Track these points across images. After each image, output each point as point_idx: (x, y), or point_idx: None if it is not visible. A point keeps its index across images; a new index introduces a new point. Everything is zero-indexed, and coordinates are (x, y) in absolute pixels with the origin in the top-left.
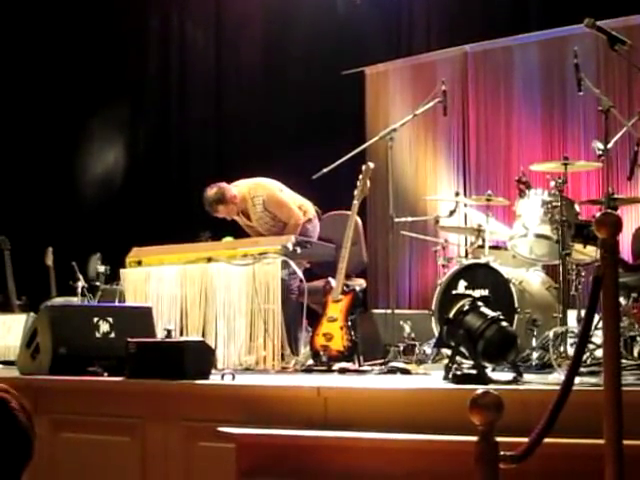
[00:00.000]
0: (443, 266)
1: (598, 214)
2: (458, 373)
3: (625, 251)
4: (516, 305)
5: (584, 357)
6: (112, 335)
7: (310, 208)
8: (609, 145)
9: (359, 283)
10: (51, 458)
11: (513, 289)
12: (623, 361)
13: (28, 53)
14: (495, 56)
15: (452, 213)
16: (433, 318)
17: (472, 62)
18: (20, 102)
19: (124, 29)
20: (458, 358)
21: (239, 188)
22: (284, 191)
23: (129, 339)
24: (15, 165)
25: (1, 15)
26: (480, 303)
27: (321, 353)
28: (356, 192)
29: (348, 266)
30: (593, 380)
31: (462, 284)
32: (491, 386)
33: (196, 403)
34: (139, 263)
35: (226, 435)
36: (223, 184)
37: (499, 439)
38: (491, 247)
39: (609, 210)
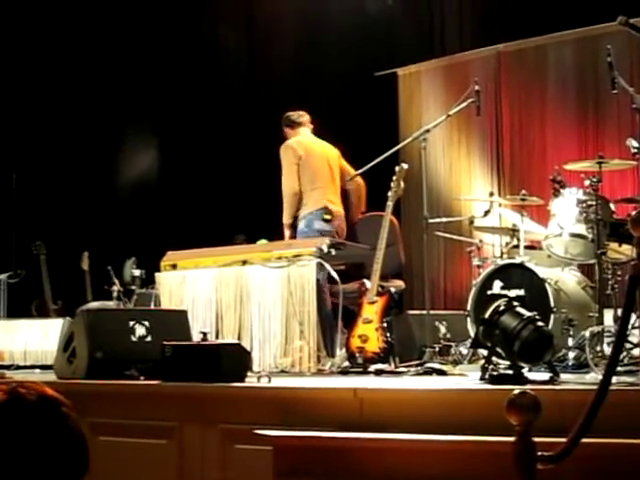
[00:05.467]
0: (478, 266)
1: (633, 212)
2: (494, 374)
3: None
4: (552, 305)
5: (621, 356)
6: (148, 339)
7: None
8: None
9: (397, 284)
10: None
11: (549, 289)
12: None
13: (62, 64)
14: (528, 55)
15: (486, 213)
16: (469, 319)
17: (505, 61)
18: (58, 109)
19: (158, 35)
20: (494, 358)
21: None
22: None
23: (165, 342)
24: (51, 171)
25: (46, 32)
26: (516, 303)
27: (357, 355)
28: (390, 193)
29: (385, 267)
30: (630, 379)
31: (497, 284)
32: (528, 386)
33: (232, 406)
34: (174, 267)
35: (263, 437)
36: None
37: (536, 439)
38: (526, 247)
39: None
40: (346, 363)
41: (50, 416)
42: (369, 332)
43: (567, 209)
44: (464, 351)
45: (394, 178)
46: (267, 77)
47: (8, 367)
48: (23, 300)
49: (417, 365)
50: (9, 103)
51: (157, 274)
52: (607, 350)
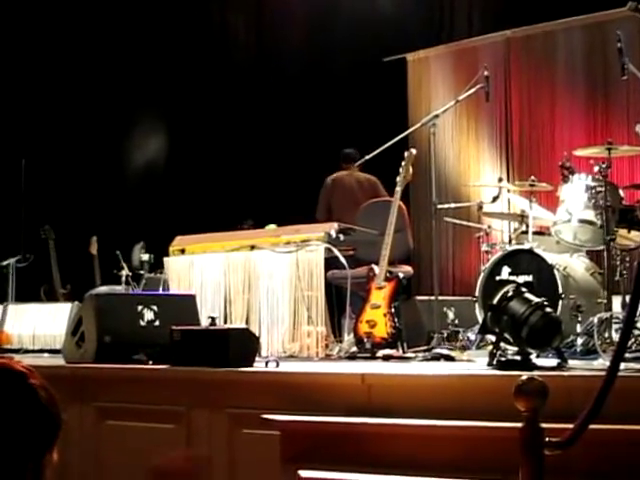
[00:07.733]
0: (486, 252)
1: None
2: (502, 359)
3: None
4: (560, 291)
5: (629, 343)
6: (156, 323)
7: None
8: None
9: (405, 270)
10: (96, 446)
11: (557, 275)
12: None
13: (71, 49)
14: (537, 41)
15: (495, 199)
16: (477, 304)
17: (514, 47)
18: (67, 94)
19: (167, 20)
20: (502, 344)
21: None
22: None
23: (173, 327)
24: (60, 156)
25: (56, 18)
26: (524, 289)
27: (365, 340)
28: (399, 179)
29: (393, 253)
30: (638, 366)
31: (506, 270)
32: (535, 372)
33: (240, 390)
34: (183, 251)
35: (270, 422)
36: None
37: (544, 425)
38: (535, 233)
39: None
40: (354, 348)
41: (15, 389)
42: (377, 317)
43: (576, 195)
44: (472, 337)
45: (403, 163)
46: (276, 63)
47: (17, 351)
48: (32, 284)
49: (425, 350)
50: (18, 88)
51: (166, 259)
52: (615, 336)
